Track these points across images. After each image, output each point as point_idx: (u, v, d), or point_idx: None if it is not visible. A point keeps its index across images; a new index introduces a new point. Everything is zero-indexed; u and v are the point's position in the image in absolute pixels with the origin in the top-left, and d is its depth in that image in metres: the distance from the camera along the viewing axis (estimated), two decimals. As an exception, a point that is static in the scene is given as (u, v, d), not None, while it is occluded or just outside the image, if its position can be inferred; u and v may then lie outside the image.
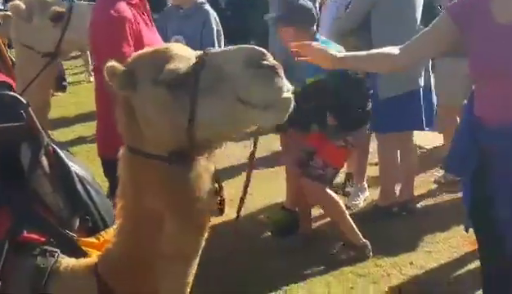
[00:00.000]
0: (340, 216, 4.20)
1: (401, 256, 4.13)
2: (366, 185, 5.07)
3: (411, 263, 4.05)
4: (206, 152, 1.56)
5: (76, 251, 1.72)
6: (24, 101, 1.79)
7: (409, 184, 4.76)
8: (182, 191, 1.53)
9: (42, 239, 1.69)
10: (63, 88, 9.15)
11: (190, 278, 1.64)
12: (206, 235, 1.61)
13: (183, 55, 1.52)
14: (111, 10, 2.98)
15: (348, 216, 4.23)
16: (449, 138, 5.25)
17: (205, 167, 1.56)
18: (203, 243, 1.62)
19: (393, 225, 4.56)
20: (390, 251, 4.20)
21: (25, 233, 1.70)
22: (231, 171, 5.81)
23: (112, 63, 1.53)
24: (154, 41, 3.12)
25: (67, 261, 1.66)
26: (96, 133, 3.27)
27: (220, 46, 4.71)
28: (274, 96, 1.43)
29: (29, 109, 1.79)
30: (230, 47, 1.52)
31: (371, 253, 4.13)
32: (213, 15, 4.65)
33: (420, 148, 5.74)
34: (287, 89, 1.45)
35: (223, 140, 1.56)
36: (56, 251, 1.68)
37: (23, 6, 3.21)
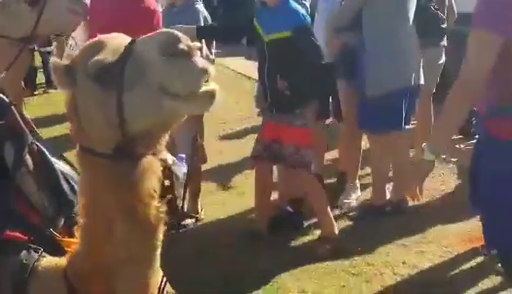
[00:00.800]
0: (320, 205, 4.24)
1: (393, 256, 4.13)
2: (358, 184, 5.06)
3: (404, 262, 4.04)
4: (149, 146, 1.48)
5: (58, 251, 1.71)
6: (6, 99, 1.78)
7: (400, 183, 4.75)
8: (128, 190, 1.48)
9: (25, 238, 1.67)
10: (33, 88, 8.91)
11: (153, 279, 1.59)
12: (161, 238, 1.54)
13: (118, 44, 1.44)
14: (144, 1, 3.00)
15: (328, 208, 4.27)
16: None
17: (150, 163, 1.50)
18: (158, 245, 1.55)
19: (385, 225, 4.55)
20: (382, 250, 4.20)
21: (8, 232, 1.69)
22: (224, 168, 5.84)
23: (54, 59, 1.47)
24: None
25: (48, 260, 1.65)
26: None
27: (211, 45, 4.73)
28: (192, 84, 1.37)
29: (12, 107, 1.78)
30: (153, 33, 1.45)
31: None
32: (204, 13, 4.67)
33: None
34: (208, 76, 1.38)
35: (160, 133, 1.50)
36: (40, 249, 1.66)
37: None
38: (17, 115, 1.82)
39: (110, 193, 1.49)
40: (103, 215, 1.51)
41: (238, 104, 7.99)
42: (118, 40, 1.47)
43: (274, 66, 4.01)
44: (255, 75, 4.84)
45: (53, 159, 1.90)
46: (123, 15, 3.31)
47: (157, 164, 1.52)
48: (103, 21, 3.17)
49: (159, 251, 1.56)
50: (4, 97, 1.83)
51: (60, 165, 1.91)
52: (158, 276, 1.61)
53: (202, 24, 4.56)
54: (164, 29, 1.43)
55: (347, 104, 4.68)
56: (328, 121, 5.02)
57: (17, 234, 1.69)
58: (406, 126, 4.63)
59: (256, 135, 4.43)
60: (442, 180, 5.31)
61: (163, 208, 1.52)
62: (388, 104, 4.40)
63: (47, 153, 1.89)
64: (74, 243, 1.71)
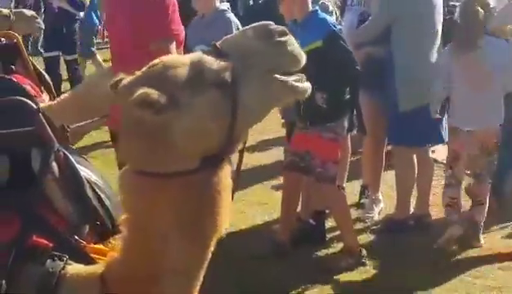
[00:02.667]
0: (343, 219, 4.22)
1: (412, 271, 4.06)
2: (380, 197, 5.02)
3: (423, 277, 3.97)
4: (234, 149, 1.51)
5: (83, 258, 1.70)
6: (35, 106, 1.80)
7: (424, 198, 4.70)
8: (196, 208, 1.45)
9: (51, 245, 1.67)
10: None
11: (197, 288, 1.61)
12: (212, 249, 1.55)
13: (192, 59, 1.46)
14: None
15: (351, 222, 4.24)
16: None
17: (226, 173, 1.49)
18: (209, 256, 1.56)
19: (407, 239, 4.50)
20: (401, 265, 4.14)
21: (34, 238, 1.69)
22: (246, 179, 5.82)
23: (143, 91, 1.36)
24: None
25: (75, 268, 1.64)
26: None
27: None
28: (297, 61, 1.48)
29: (40, 114, 1.79)
30: (230, 35, 1.52)
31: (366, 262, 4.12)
32: (235, 22, 4.62)
33: (436, 161, 5.67)
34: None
35: (255, 122, 1.54)
36: (65, 256, 1.66)
37: None
38: (45, 122, 1.82)
39: (172, 214, 1.46)
40: (157, 230, 1.48)
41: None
42: (184, 57, 1.50)
43: (310, 79, 3.98)
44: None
45: (79, 166, 1.91)
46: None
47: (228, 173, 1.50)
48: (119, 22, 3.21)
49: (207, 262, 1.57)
50: (32, 104, 1.84)
51: (85, 172, 1.91)
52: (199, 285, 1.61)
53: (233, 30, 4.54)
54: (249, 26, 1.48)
55: (371, 116, 4.65)
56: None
57: (43, 241, 1.69)
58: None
59: (279, 146, 4.42)
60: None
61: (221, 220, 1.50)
62: (421, 118, 4.39)
63: (73, 160, 1.89)
64: (102, 251, 1.71)
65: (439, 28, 4.47)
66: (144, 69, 1.47)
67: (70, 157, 1.88)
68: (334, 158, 4.11)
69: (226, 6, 4.74)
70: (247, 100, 1.41)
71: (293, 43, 1.45)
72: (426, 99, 4.38)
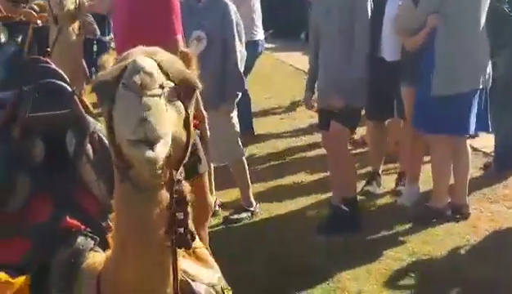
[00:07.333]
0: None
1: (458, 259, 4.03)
2: (418, 185, 4.93)
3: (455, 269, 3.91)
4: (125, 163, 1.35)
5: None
6: (69, 88, 1.80)
7: (461, 188, 4.62)
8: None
9: (83, 227, 1.68)
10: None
11: None
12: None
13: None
14: None
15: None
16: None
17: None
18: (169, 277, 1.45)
19: (444, 228, 4.43)
20: (446, 253, 4.09)
21: (68, 220, 1.70)
22: (280, 163, 5.82)
23: None
24: None
25: (95, 255, 1.64)
26: None
27: (240, 38, 4.59)
28: (127, 130, 1.26)
29: (74, 96, 1.79)
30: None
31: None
32: (232, 6, 4.50)
33: (475, 149, 5.56)
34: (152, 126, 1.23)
35: None
36: (96, 238, 1.67)
37: None
38: (79, 104, 1.83)
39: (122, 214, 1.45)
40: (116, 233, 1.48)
41: (296, 100, 7.96)
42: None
43: None
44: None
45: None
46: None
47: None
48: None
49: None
50: (67, 86, 1.85)
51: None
52: None
53: (232, 18, 4.39)
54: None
55: (411, 103, 4.58)
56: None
57: (75, 222, 1.70)
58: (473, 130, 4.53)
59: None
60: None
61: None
62: (457, 107, 4.31)
63: (107, 142, 1.89)
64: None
65: (483, 18, 4.36)
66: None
67: (105, 138, 1.89)
68: None
69: None
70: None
71: (136, 107, 1.24)
72: (463, 87, 4.29)
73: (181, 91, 1.34)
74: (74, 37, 4.92)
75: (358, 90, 4.23)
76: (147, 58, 1.29)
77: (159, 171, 1.32)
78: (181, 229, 1.39)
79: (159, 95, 1.25)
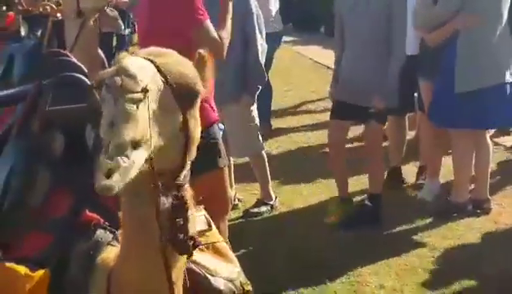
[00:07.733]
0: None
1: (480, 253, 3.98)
2: (439, 180, 4.88)
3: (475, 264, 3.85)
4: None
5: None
6: (88, 82, 1.80)
7: (482, 183, 4.56)
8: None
9: (102, 220, 1.68)
10: None
11: None
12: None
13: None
14: None
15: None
16: None
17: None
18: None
19: (465, 223, 4.39)
20: (465, 248, 4.05)
21: (86, 213, 1.70)
22: (299, 157, 5.80)
23: None
24: None
25: (112, 249, 1.62)
26: None
27: (261, 31, 4.53)
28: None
29: (93, 90, 1.79)
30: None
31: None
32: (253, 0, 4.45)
33: (497, 144, 5.48)
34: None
35: None
36: (115, 231, 1.66)
37: None
38: (98, 98, 1.82)
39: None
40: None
41: (314, 93, 7.91)
42: None
43: None
44: (332, 64, 4.72)
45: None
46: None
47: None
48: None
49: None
50: (86, 79, 1.85)
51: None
52: None
53: (253, 11, 4.34)
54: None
55: (430, 97, 4.53)
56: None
57: (95, 216, 1.70)
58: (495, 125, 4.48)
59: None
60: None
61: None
62: (478, 102, 4.25)
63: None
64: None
65: (505, 11, 4.29)
66: None
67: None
68: None
69: None
70: None
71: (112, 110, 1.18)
72: (486, 82, 4.24)
73: (180, 94, 1.31)
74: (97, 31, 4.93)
75: (395, 92, 4.21)
76: (140, 59, 1.26)
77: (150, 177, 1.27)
78: (181, 235, 1.35)
79: (140, 99, 1.18)
